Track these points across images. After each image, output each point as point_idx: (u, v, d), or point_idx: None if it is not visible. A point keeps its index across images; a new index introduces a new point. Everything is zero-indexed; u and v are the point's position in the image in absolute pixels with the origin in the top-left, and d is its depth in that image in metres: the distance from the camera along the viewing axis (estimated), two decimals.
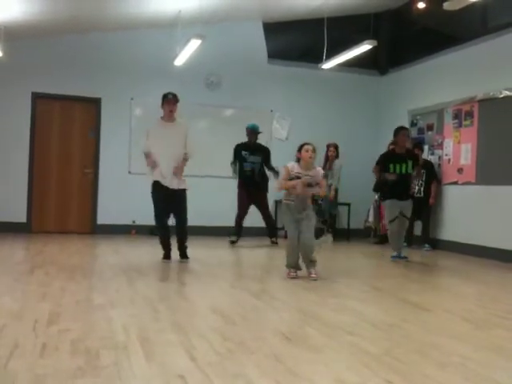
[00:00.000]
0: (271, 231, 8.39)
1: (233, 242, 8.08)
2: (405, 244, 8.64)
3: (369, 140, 10.45)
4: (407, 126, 9.61)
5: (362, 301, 4.52)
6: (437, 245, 8.52)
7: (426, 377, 2.62)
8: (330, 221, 9.51)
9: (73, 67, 9.00)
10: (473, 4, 6.18)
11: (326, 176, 9.38)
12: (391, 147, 8.94)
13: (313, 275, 5.26)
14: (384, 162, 6.98)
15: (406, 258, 7.07)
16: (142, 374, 2.51)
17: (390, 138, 9.24)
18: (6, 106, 8.80)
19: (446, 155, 8.65)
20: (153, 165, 5.90)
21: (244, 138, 8.27)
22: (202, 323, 3.47)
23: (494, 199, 7.62)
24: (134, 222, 9.10)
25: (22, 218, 8.89)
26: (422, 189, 8.54)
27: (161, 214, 6.04)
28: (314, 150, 5.32)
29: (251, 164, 8.09)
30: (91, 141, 9.27)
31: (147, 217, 9.18)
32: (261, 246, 8.18)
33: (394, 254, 7.07)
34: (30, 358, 2.67)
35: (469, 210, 8.06)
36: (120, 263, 5.95)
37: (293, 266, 5.32)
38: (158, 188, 5.97)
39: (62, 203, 9.19)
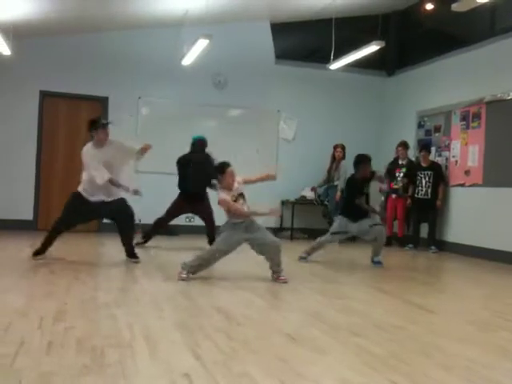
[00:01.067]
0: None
1: (138, 244, 7.24)
2: (411, 245, 8.66)
3: (376, 141, 10.44)
4: (414, 127, 9.62)
5: (367, 302, 4.52)
6: (443, 247, 8.49)
7: (431, 378, 2.62)
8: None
9: (81, 66, 9.03)
10: (481, 5, 6.15)
11: (332, 177, 9.44)
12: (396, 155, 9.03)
13: (282, 278, 5.08)
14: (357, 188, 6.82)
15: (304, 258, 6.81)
16: (146, 373, 2.52)
17: (398, 139, 9.30)
18: (15, 104, 8.84)
19: (453, 157, 8.62)
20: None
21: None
22: (207, 322, 3.48)
23: (501, 201, 7.59)
24: (139, 220, 9.10)
25: (28, 215, 8.93)
26: (430, 190, 8.52)
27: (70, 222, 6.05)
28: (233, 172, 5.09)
29: (197, 180, 7.24)
30: None
31: (153, 216, 9.22)
32: None
33: (303, 255, 6.81)
34: (36, 355, 2.69)
35: (475, 212, 8.03)
36: (125, 262, 5.96)
37: (195, 272, 5.09)
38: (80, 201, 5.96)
39: None
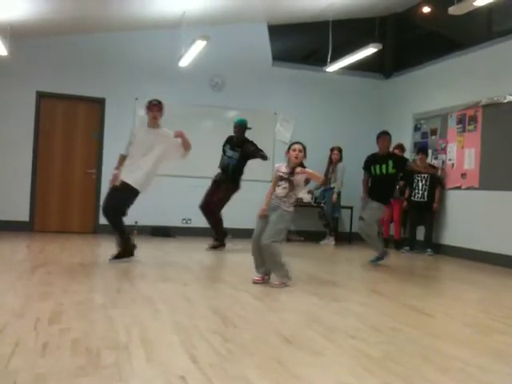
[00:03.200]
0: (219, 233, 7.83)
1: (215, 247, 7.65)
2: (407, 248, 8.67)
3: (372, 143, 10.35)
4: (411, 130, 9.64)
5: (364, 304, 4.52)
6: (439, 249, 8.51)
7: (427, 381, 2.61)
8: (332, 224, 9.51)
9: (78, 67, 9.03)
10: (478, 9, 6.17)
11: (329, 179, 9.45)
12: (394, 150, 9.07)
13: (275, 283, 5.04)
14: (367, 166, 7.20)
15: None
16: (142, 374, 2.51)
17: (394, 141, 9.24)
18: (11, 105, 8.82)
19: (450, 160, 8.64)
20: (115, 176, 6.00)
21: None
22: (203, 324, 3.47)
23: (497, 204, 7.61)
24: (136, 222, 9.11)
25: (24, 216, 8.91)
26: (426, 193, 8.54)
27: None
28: (301, 150, 5.15)
29: (228, 158, 7.78)
30: (94, 141, 9.29)
31: (149, 217, 9.21)
32: None
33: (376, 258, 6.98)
34: (31, 356, 2.67)
35: (472, 215, 8.05)
36: (121, 263, 5.95)
37: (288, 272, 5.10)
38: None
39: (64, 203, 9.21)
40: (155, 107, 6.12)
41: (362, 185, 7.29)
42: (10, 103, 8.81)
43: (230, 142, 7.89)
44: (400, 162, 7.09)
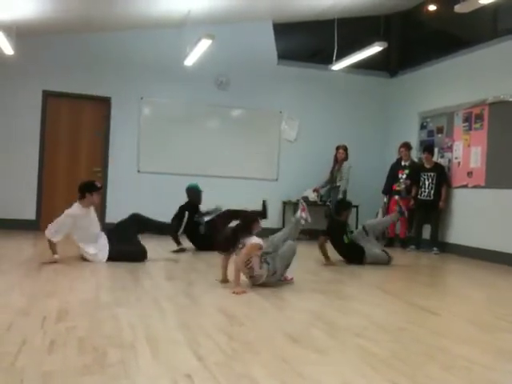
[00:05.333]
0: None
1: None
2: (413, 246, 8.65)
3: (378, 142, 10.44)
4: (417, 128, 9.61)
5: (369, 303, 4.51)
6: (445, 248, 8.49)
7: (432, 380, 2.61)
8: None
9: (83, 66, 9.04)
10: (484, 6, 6.15)
11: (334, 178, 9.42)
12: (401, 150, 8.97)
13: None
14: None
15: None
16: (148, 373, 2.52)
17: (400, 140, 9.31)
18: (17, 104, 8.85)
19: (456, 158, 8.61)
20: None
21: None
22: (209, 323, 3.48)
23: (503, 203, 7.58)
24: None
25: (31, 215, 8.94)
26: (432, 192, 8.51)
27: None
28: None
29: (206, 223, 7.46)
30: (100, 140, 9.30)
31: (155, 216, 9.20)
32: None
33: None
34: (38, 354, 2.69)
35: (478, 214, 8.02)
36: (127, 262, 5.96)
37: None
38: None
39: (70, 201, 9.18)
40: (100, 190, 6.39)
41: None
42: (16, 102, 8.84)
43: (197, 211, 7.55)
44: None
